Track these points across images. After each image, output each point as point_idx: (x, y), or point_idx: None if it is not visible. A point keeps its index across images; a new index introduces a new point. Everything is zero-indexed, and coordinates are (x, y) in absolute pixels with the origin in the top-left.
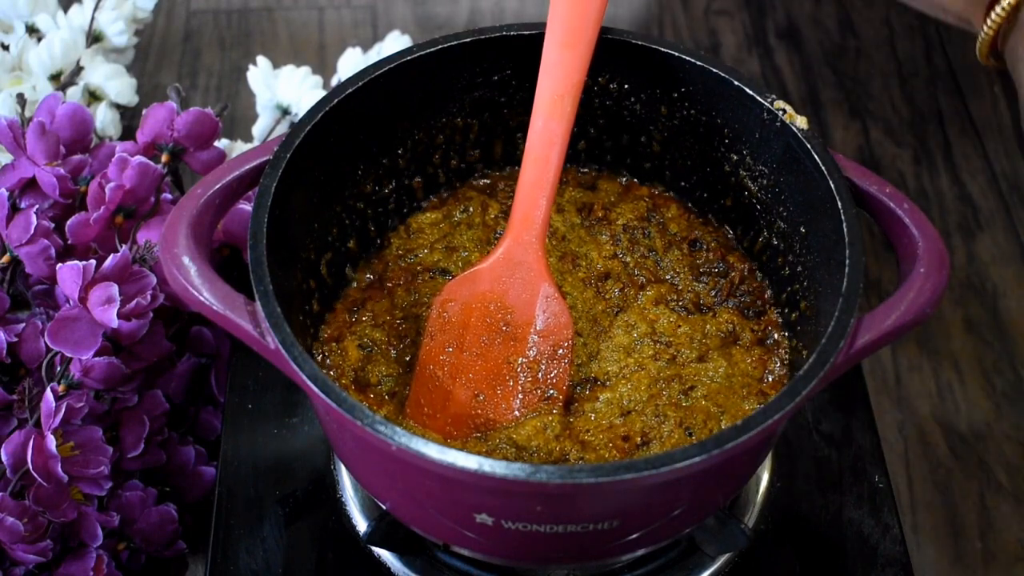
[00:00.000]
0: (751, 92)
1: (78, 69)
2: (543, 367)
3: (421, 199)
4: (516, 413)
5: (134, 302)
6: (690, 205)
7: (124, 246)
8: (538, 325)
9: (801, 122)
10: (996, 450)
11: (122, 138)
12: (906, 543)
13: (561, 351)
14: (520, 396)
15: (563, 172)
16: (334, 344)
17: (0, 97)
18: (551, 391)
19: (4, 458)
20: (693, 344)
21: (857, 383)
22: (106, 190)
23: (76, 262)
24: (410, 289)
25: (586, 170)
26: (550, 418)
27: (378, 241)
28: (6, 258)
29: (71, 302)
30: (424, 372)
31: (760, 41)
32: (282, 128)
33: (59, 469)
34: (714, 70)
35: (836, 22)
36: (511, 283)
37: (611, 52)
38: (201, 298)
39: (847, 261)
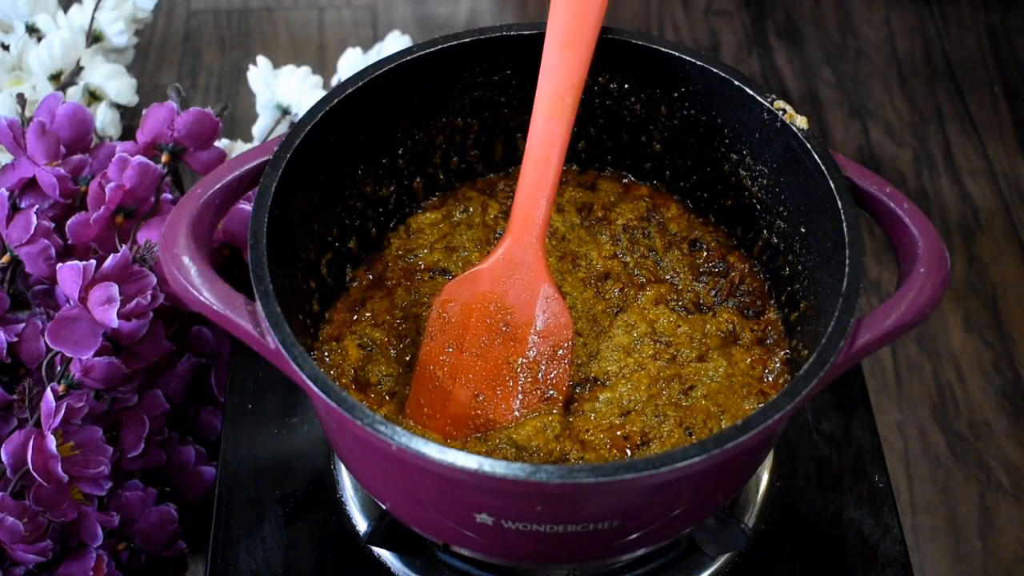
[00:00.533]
0: (751, 92)
1: (78, 69)
2: (543, 368)
3: (421, 199)
4: (516, 413)
5: (134, 302)
6: (690, 205)
7: (124, 246)
8: (538, 326)
9: (801, 122)
10: (996, 450)
11: (122, 138)
12: (906, 543)
13: (561, 351)
14: (520, 396)
15: (563, 172)
16: (334, 343)
17: (0, 97)
18: (551, 391)
19: (4, 458)
20: (693, 344)
21: (857, 383)
22: (106, 190)
23: (76, 262)
24: (410, 289)
25: (586, 170)
26: (550, 418)
27: (378, 241)
28: (6, 258)
29: (71, 302)
30: (424, 372)
31: (760, 41)
32: (282, 128)
33: (59, 469)
34: (714, 70)
35: (836, 22)
36: (511, 284)
37: (611, 52)
38: (201, 298)
39: (847, 261)
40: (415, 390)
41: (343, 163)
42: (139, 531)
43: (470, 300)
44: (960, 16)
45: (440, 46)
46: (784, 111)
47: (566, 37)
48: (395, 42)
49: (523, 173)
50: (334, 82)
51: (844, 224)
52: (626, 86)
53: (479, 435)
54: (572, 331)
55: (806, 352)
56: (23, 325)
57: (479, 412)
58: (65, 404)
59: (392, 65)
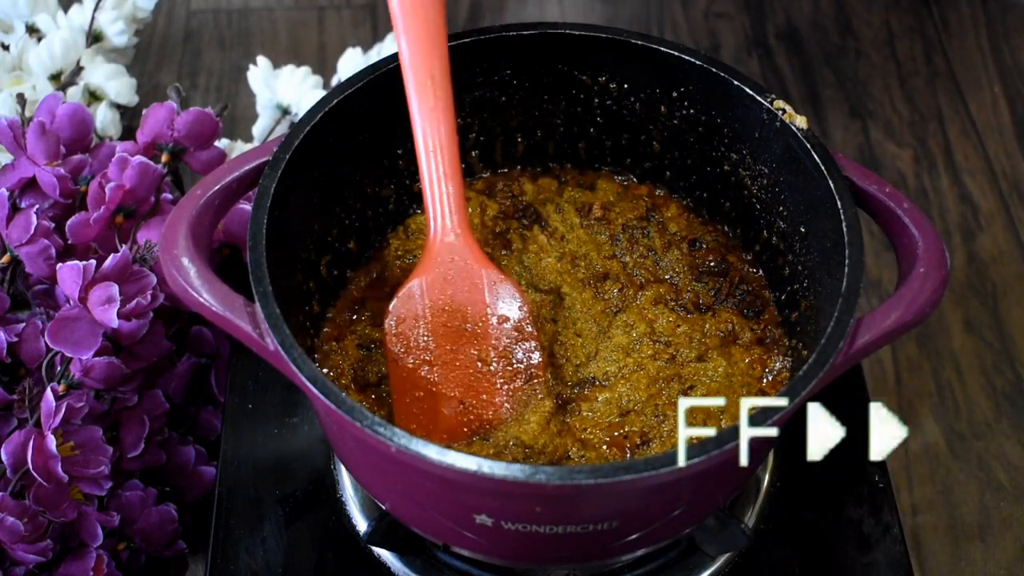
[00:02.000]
0: (751, 92)
1: (78, 69)
2: (516, 352)
3: (420, 200)
4: (506, 406)
5: (134, 302)
6: (690, 205)
7: (124, 246)
8: (495, 313)
9: (801, 122)
10: (996, 450)
11: (122, 138)
12: (906, 543)
13: (527, 328)
14: (504, 388)
15: (562, 172)
16: (334, 343)
17: (0, 97)
18: (531, 370)
19: (4, 458)
20: (692, 344)
21: (857, 383)
22: (106, 190)
23: (76, 262)
24: None
25: (586, 170)
26: (545, 406)
27: (378, 241)
28: (6, 258)
29: (71, 302)
30: (402, 400)
31: (760, 43)
32: (282, 128)
33: (59, 469)
34: (714, 70)
35: (835, 23)
36: (452, 283)
37: (611, 52)
38: (201, 299)
39: (847, 261)
40: (401, 420)
41: (343, 163)
42: (139, 531)
43: (420, 313)
44: (960, 16)
45: None
46: (784, 111)
47: (406, 23)
48: (395, 42)
49: (420, 170)
50: (334, 82)
51: (844, 224)
52: (626, 86)
53: (479, 436)
54: (527, 303)
55: (806, 352)
56: (23, 325)
57: (471, 418)
58: (65, 404)
59: (392, 65)
